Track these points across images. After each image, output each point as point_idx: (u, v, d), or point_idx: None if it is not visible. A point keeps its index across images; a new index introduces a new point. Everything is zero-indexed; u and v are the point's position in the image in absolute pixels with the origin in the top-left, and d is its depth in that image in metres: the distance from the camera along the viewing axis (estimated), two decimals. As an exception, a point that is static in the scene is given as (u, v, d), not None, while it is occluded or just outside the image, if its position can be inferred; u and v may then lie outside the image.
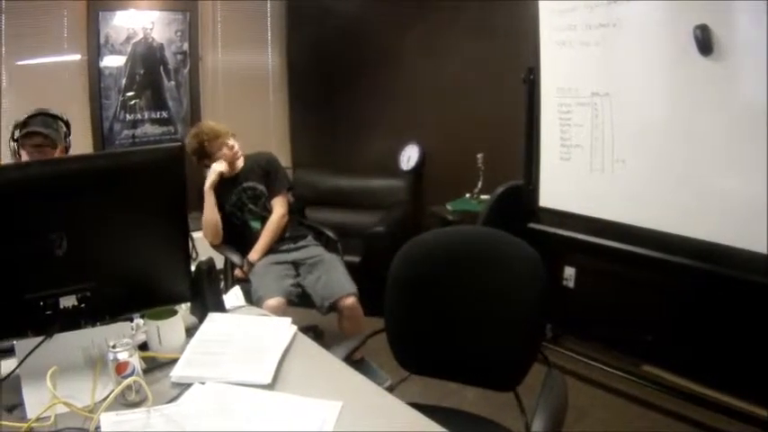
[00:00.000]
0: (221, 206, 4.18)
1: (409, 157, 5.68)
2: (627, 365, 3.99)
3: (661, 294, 3.83)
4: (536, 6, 3.91)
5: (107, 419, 1.57)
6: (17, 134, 3.18)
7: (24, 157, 3.17)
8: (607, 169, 3.65)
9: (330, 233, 4.48)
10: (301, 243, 4.23)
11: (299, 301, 3.89)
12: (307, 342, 2.12)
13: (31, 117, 3.20)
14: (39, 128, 3.16)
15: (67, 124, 3.34)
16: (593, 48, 3.63)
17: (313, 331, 4.38)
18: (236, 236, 4.27)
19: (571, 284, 4.44)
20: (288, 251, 4.16)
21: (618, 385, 3.88)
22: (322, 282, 3.92)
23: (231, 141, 4.13)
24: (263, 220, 4.18)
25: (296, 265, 4.11)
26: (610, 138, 3.61)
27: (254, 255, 4.07)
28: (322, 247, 4.27)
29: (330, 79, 6.20)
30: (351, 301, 3.80)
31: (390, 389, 2.06)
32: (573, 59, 3.76)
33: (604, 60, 3.59)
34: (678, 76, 3.25)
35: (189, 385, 1.79)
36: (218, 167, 4.08)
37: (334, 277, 3.93)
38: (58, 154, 3.21)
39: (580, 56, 3.70)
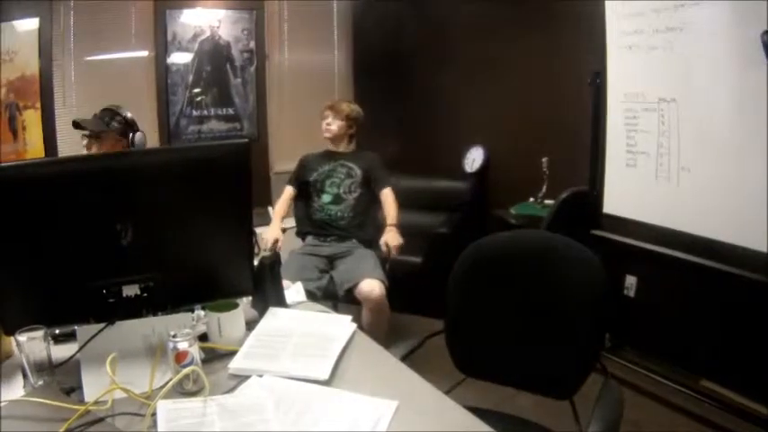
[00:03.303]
0: (312, 172, 4.35)
1: (474, 159, 5.63)
2: (685, 379, 3.89)
3: (722, 308, 3.72)
4: (603, 10, 3.86)
5: (163, 406, 1.58)
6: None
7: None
8: (672, 177, 3.58)
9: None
10: (346, 242, 4.24)
11: (321, 294, 3.85)
12: (366, 340, 2.12)
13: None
14: (81, 122, 3.41)
15: (126, 119, 3.49)
16: (659, 52, 3.56)
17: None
18: (302, 203, 4.46)
19: (632, 294, 4.35)
20: (329, 244, 4.24)
21: (675, 399, 3.78)
22: (346, 267, 3.98)
23: (329, 118, 4.33)
24: (336, 198, 4.25)
25: (330, 259, 4.16)
26: (676, 145, 3.54)
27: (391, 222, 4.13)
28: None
29: (395, 80, 6.19)
30: (371, 284, 3.79)
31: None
32: (640, 64, 3.70)
33: (671, 65, 3.52)
34: (745, 82, 3.15)
35: (246, 377, 1.80)
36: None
37: (360, 264, 3.97)
38: (109, 146, 3.41)
39: (647, 60, 3.64)
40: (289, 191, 4.42)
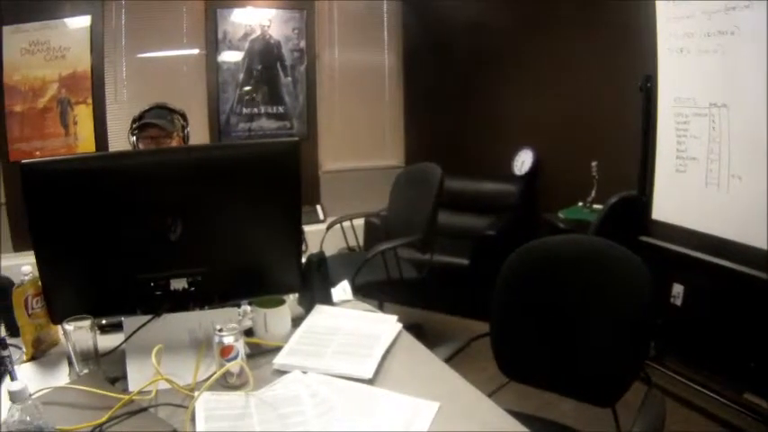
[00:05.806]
0: None
1: (523, 161, 5.59)
2: (728, 392, 3.80)
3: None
4: (654, 13, 3.81)
5: (202, 398, 1.59)
6: (134, 128, 3.27)
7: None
8: (722, 185, 3.52)
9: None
10: None
11: None
12: (410, 340, 2.11)
13: (146, 111, 3.27)
14: (152, 119, 3.21)
15: (184, 116, 3.39)
16: (711, 56, 3.50)
17: (416, 330, 4.36)
18: None
19: (678, 302, 4.27)
20: None
21: (717, 412, 3.70)
22: None
23: None
24: None
25: None
26: (726, 152, 3.48)
27: None
28: None
29: (445, 81, 6.19)
30: None
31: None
32: (691, 68, 3.64)
33: (723, 70, 3.46)
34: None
35: (290, 373, 1.79)
36: None
37: None
38: (174, 144, 3.29)
39: (698, 64, 3.58)
40: None
